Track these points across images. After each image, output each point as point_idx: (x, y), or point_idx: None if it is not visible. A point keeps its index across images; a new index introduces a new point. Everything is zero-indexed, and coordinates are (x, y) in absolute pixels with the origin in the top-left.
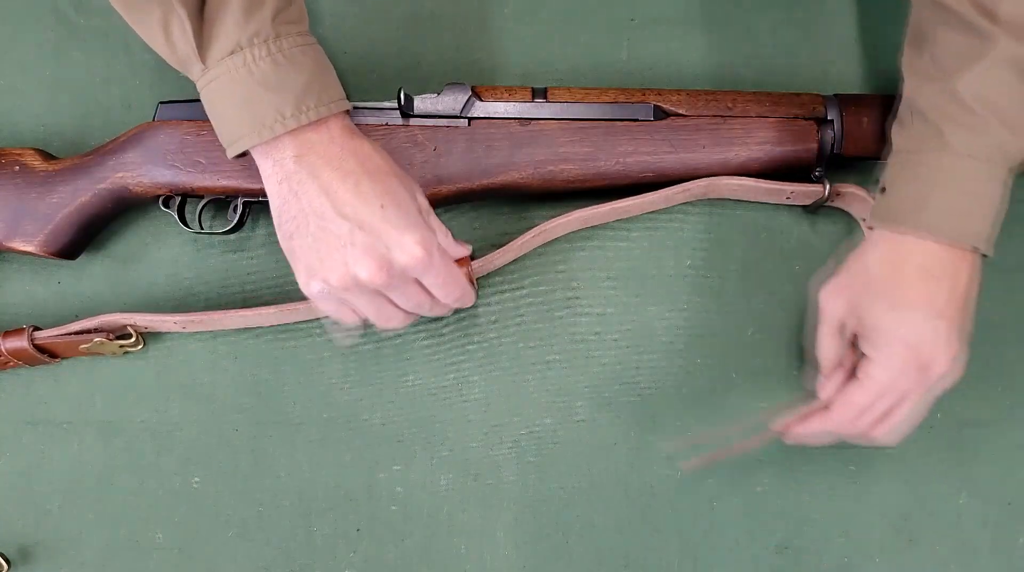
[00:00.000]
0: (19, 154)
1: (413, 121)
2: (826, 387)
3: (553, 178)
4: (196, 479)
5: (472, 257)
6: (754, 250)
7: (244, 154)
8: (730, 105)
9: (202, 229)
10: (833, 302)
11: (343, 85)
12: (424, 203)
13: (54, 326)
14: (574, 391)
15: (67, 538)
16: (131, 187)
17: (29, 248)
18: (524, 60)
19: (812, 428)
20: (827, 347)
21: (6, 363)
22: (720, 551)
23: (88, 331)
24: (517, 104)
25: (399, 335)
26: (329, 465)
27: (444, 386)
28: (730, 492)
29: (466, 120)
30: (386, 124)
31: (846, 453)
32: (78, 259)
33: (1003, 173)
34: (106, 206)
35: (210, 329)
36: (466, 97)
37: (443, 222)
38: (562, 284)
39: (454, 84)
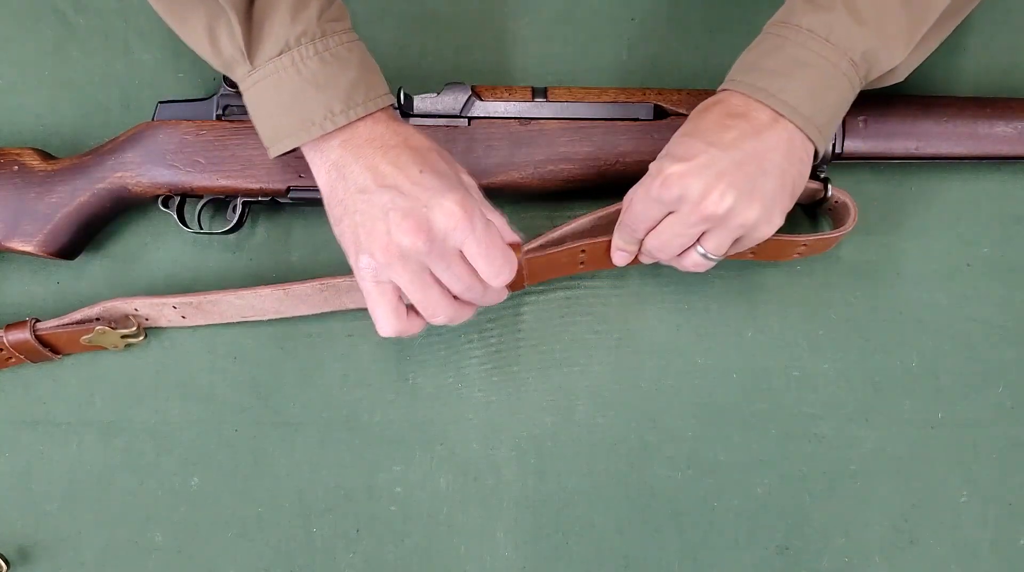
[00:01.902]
0: (18, 154)
1: (413, 121)
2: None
3: (553, 178)
4: (196, 479)
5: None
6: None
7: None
8: None
9: (201, 229)
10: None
11: None
12: (470, 181)
13: None
14: (574, 391)
15: (66, 538)
16: (130, 187)
17: (28, 248)
18: (524, 60)
19: (616, 235)
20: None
21: (8, 359)
22: (720, 551)
23: (90, 320)
24: (517, 104)
25: None
26: (329, 465)
27: (444, 386)
28: (730, 492)
29: (466, 120)
30: None
31: (846, 453)
32: (77, 259)
33: (843, 61)
34: (105, 206)
35: (208, 317)
36: (466, 97)
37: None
38: (561, 283)
39: (454, 84)
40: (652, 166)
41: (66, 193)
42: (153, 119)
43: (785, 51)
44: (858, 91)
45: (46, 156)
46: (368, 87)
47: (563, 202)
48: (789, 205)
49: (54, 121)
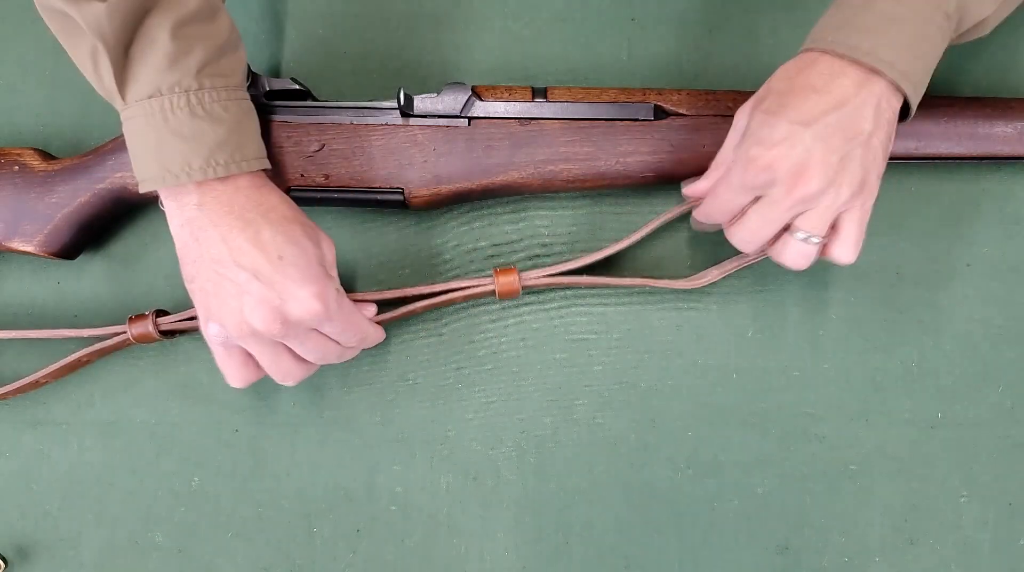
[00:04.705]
0: (18, 154)
1: (413, 121)
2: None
3: (553, 178)
4: (196, 479)
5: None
6: None
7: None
8: (730, 105)
9: None
10: (739, 118)
11: (343, 84)
12: (330, 256)
13: (50, 328)
14: (574, 391)
15: (66, 538)
16: (131, 187)
17: (28, 248)
18: (524, 60)
19: (701, 209)
20: (723, 151)
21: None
22: (720, 551)
23: None
24: (517, 104)
25: (399, 335)
26: (329, 465)
27: (444, 386)
28: (730, 492)
29: (466, 120)
30: (386, 124)
31: (846, 453)
32: (77, 259)
33: (937, 14)
34: (106, 206)
35: None
36: (466, 97)
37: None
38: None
39: (454, 84)
40: (738, 151)
41: (67, 193)
42: None
43: (877, 7)
44: (948, 44)
45: (46, 156)
46: (235, 149)
47: (563, 202)
48: (883, 166)
49: (54, 121)
